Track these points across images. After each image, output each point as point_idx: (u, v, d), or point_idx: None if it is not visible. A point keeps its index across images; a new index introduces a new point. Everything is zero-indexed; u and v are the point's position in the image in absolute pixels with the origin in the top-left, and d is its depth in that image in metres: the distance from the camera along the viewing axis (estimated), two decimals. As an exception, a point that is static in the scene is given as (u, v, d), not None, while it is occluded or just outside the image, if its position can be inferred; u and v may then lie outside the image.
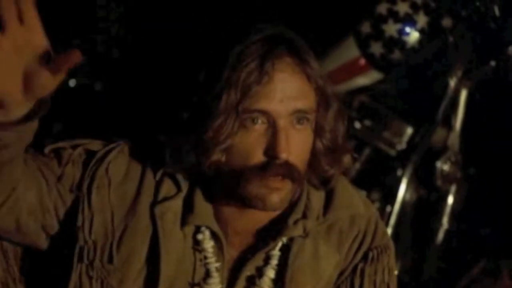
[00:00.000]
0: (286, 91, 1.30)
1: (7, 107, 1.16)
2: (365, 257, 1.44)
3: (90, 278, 1.37)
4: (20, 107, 1.17)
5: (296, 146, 1.31)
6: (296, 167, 1.31)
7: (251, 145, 1.31)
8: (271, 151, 1.29)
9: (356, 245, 1.45)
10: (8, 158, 1.24)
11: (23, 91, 1.15)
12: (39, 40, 1.13)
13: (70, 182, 1.38)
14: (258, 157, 1.30)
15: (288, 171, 1.30)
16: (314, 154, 1.36)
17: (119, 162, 1.40)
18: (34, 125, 1.21)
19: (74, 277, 1.37)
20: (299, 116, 1.31)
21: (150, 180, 1.39)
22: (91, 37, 3.30)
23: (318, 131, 1.36)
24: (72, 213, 1.38)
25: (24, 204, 1.33)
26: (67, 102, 3.25)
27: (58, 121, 3.22)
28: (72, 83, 3.26)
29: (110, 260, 1.37)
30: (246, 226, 1.40)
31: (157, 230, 1.36)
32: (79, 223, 1.37)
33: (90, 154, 1.41)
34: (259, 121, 1.30)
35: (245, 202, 1.33)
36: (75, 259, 1.37)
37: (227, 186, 1.35)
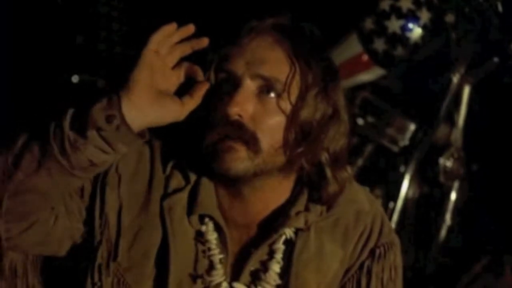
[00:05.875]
0: (254, 56, 1.33)
1: (129, 105, 1.24)
2: (372, 254, 1.44)
3: (107, 276, 1.37)
4: (135, 119, 1.25)
5: (258, 115, 1.32)
6: (253, 133, 1.31)
7: (215, 102, 1.34)
8: (225, 106, 1.31)
9: (362, 242, 1.44)
10: (90, 175, 1.32)
11: (150, 106, 1.26)
12: (181, 77, 1.33)
13: (88, 184, 1.39)
14: (218, 114, 1.32)
15: (237, 131, 1.30)
16: (286, 138, 1.34)
17: (128, 158, 1.40)
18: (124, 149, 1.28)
19: (90, 276, 1.37)
20: (264, 84, 1.32)
21: (160, 175, 1.40)
22: (93, 34, 3.29)
23: (294, 113, 1.34)
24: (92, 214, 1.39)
25: (53, 213, 1.35)
26: (69, 98, 3.24)
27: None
28: (74, 79, 3.26)
29: (125, 259, 1.37)
30: (245, 219, 1.40)
31: (166, 226, 1.37)
32: (96, 223, 1.38)
33: None
34: (226, 82, 1.34)
35: (215, 169, 1.33)
36: (92, 258, 1.38)
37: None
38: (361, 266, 1.44)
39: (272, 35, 1.35)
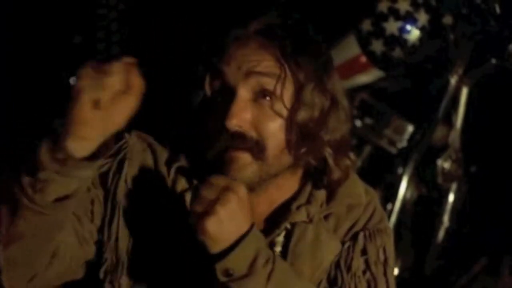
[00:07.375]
0: (244, 60, 1.31)
1: (81, 140, 1.17)
2: (354, 237, 1.42)
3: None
4: (90, 142, 1.18)
5: (258, 121, 1.31)
6: (257, 141, 1.31)
7: (212, 114, 1.33)
8: (223, 119, 1.30)
9: (349, 225, 1.43)
10: (72, 205, 1.26)
11: (99, 124, 1.17)
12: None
13: (98, 206, 1.39)
14: (216, 126, 1.31)
15: (241, 143, 1.30)
16: (288, 139, 1.34)
17: (133, 169, 1.40)
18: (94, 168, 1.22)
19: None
20: (259, 89, 1.31)
21: (165, 180, 1.40)
22: (91, 35, 3.29)
23: (291, 115, 1.33)
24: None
25: (64, 245, 1.33)
26: (68, 99, 3.24)
27: (58, 118, 3.21)
28: (72, 81, 3.26)
29: (142, 264, 1.38)
30: None
31: (173, 229, 1.37)
32: (112, 239, 1.38)
33: (104, 174, 1.40)
34: (219, 93, 1.32)
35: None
36: (112, 271, 1.39)
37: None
38: (342, 245, 1.42)
39: (257, 41, 1.34)
